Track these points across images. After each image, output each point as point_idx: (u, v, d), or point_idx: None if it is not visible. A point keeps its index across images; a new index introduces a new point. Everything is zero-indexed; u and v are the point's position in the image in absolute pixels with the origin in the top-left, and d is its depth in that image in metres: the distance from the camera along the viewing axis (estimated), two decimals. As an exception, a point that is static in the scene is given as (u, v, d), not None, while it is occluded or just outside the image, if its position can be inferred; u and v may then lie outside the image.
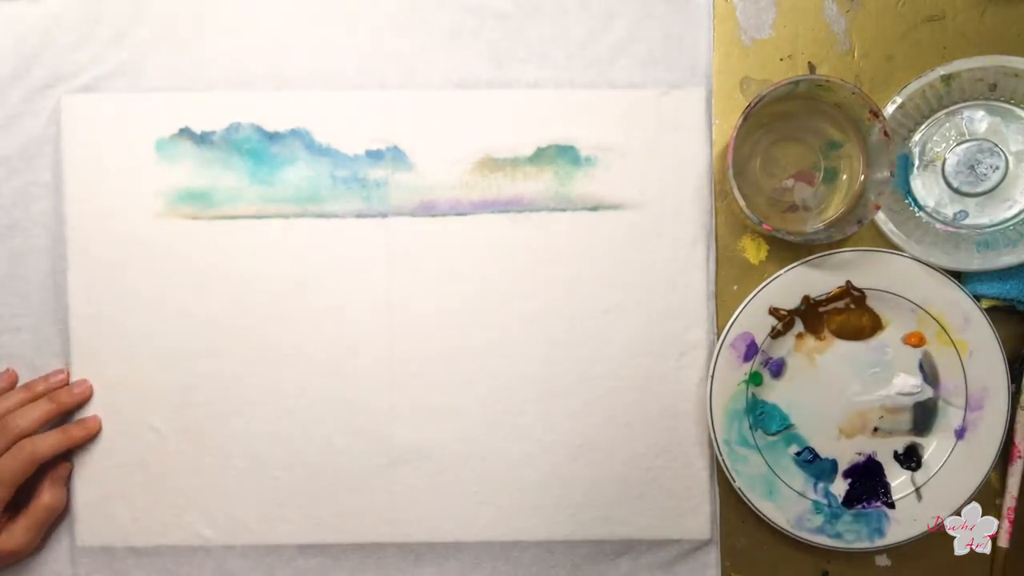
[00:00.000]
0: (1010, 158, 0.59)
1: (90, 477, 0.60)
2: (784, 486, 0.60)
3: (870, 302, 0.60)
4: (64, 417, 0.60)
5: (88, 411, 0.60)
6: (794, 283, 0.59)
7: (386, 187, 0.60)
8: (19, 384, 0.60)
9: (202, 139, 0.60)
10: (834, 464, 0.61)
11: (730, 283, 0.61)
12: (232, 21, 0.61)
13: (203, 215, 0.60)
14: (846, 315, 0.60)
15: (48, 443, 0.57)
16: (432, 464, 0.60)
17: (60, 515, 0.60)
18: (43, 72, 0.60)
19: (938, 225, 0.60)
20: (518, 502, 0.61)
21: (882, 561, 0.61)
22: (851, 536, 0.60)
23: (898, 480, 0.60)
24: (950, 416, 0.60)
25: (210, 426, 0.60)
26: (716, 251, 0.61)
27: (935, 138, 0.60)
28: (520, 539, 0.61)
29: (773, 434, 0.60)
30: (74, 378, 0.60)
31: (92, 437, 0.60)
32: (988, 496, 0.61)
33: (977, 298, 0.59)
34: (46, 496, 0.58)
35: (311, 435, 0.60)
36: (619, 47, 0.60)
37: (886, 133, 0.54)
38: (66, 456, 0.60)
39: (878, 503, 0.60)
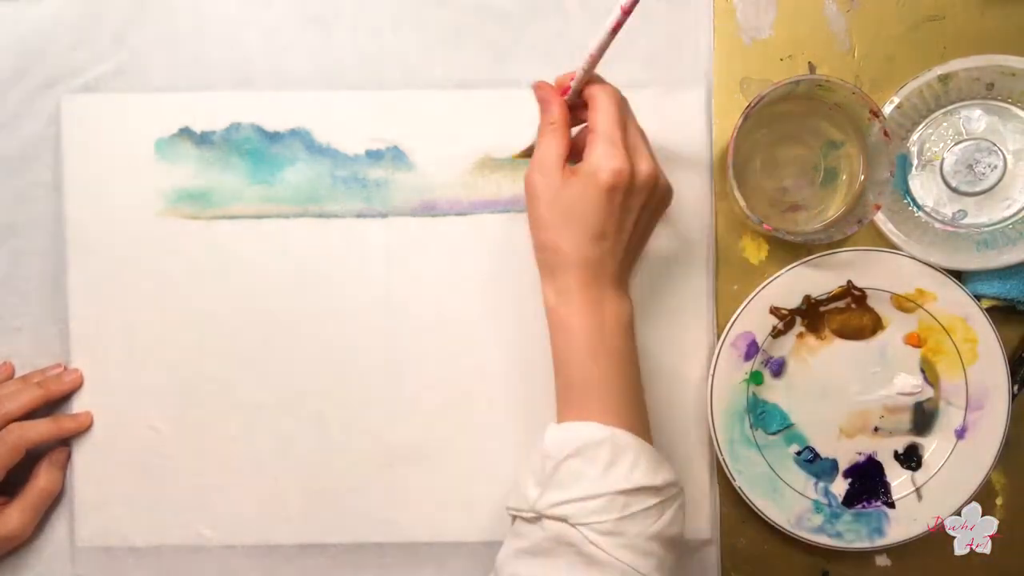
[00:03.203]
0: (1008, 157, 0.59)
1: (90, 477, 0.60)
2: (784, 485, 0.60)
3: (870, 302, 0.60)
4: (56, 407, 0.60)
5: (89, 411, 0.60)
6: (794, 283, 0.59)
7: (386, 187, 0.60)
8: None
9: (202, 139, 0.60)
10: (834, 464, 0.61)
11: (730, 283, 0.61)
12: (232, 21, 0.61)
13: (203, 215, 0.60)
14: (847, 315, 0.60)
15: (37, 430, 0.57)
16: (432, 464, 0.60)
17: (56, 503, 0.60)
18: (43, 72, 0.60)
19: (937, 225, 0.60)
20: (518, 502, 0.60)
21: (882, 561, 0.61)
22: (851, 536, 0.60)
23: (898, 480, 0.60)
24: (950, 416, 0.60)
25: (210, 426, 0.60)
26: (716, 251, 0.61)
27: (933, 138, 0.60)
28: (520, 539, 0.61)
29: (773, 433, 0.60)
30: (74, 377, 0.60)
31: (83, 431, 0.60)
32: (988, 496, 0.61)
33: (977, 298, 0.59)
34: (42, 479, 0.58)
35: (311, 435, 0.60)
36: (619, 47, 0.60)
37: (886, 133, 0.54)
38: (65, 445, 0.60)
39: (878, 503, 0.60)
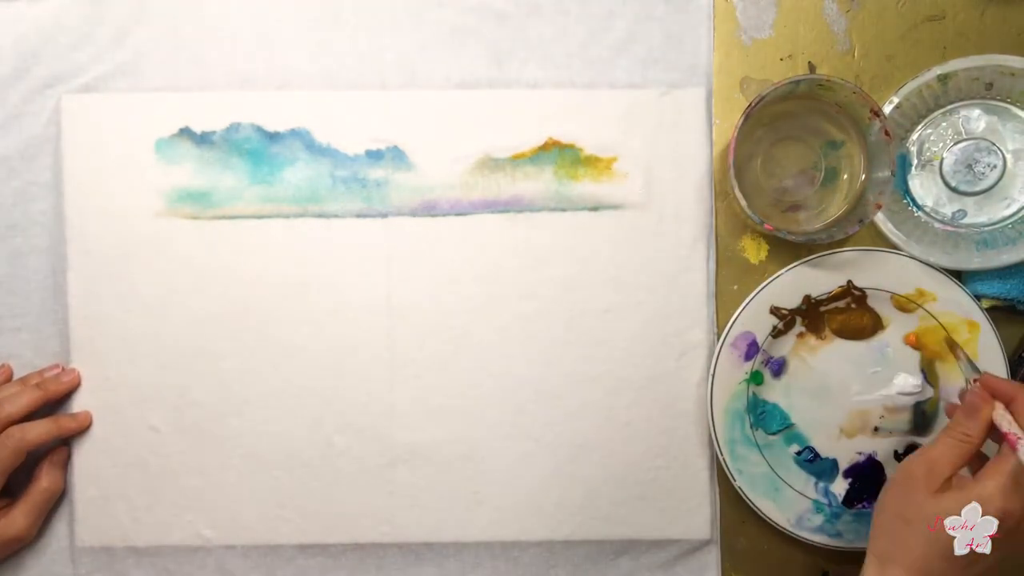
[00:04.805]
0: (1007, 156, 0.59)
1: (90, 477, 0.60)
2: (784, 485, 0.60)
3: (870, 302, 0.60)
4: (55, 407, 0.60)
5: (89, 410, 0.60)
6: (794, 283, 0.59)
7: (386, 187, 0.60)
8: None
9: (202, 139, 0.60)
10: (834, 463, 0.61)
11: (730, 283, 0.61)
12: (232, 21, 0.61)
13: (203, 215, 0.60)
14: (847, 315, 0.60)
15: (37, 431, 0.57)
16: (432, 464, 0.60)
17: (56, 503, 0.60)
18: (43, 72, 0.60)
19: (937, 224, 0.60)
20: (518, 502, 0.60)
21: (882, 561, 0.61)
22: (851, 535, 0.60)
23: (898, 480, 0.61)
24: (950, 416, 0.60)
25: (210, 426, 0.60)
26: (716, 251, 0.61)
27: (932, 138, 0.60)
28: (520, 539, 0.61)
29: (774, 433, 0.60)
30: (74, 378, 0.60)
31: (83, 430, 0.60)
32: (988, 495, 0.61)
33: (977, 298, 0.59)
34: (44, 480, 0.58)
35: (311, 435, 0.60)
36: (619, 47, 0.60)
37: (887, 132, 0.55)
38: (64, 444, 0.60)
39: (878, 503, 0.60)
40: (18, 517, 0.57)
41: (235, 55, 0.61)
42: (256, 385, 0.60)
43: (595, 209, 0.60)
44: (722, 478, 0.60)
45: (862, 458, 0.61)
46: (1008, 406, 0.50)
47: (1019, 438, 0.48)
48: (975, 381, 0.52)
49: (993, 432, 0.50)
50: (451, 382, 0.60)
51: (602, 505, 0.60)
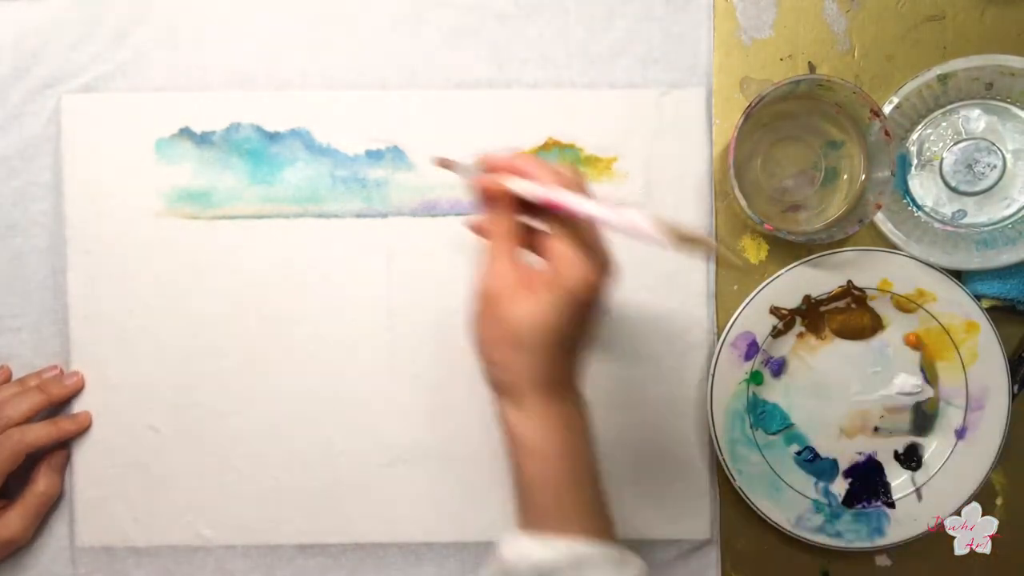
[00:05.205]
0: (1007, 156, 0.59)
1: (90, 477, 0.60)
2: (784, 485, 0.60)
3: (870, 302, 0.60)
4: (56, 410, 0.60)
5: (88, 411, 0.60)
6: (794, 283, 0.59)
7: (386, 187, 0.60)
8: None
9: (202, 139, 0.60)
10: (834, 463, 0.61)
11: (730, 283, 0.61)
12: (232, 21, 0.61)
13: (203, 215, 0.60)
14: (847, 315, 0.60)
15: (37, 433, 0.57)
16: (432, 464, 0.60)
17: (56, 504, 0.60)
18: (43, 72, 0.60)
19: (937, 224, 0.60)
20: (518, 502, 0.60)
21: (882, 561, 0.61)
22: (851, 536, 0.60)
23: (898, 480, 0.61)
24: (950, 416, 0.60)
25: (210, 426, 0.60)
26: (716, 251, 0.61)
27: (932, 138, 0.60)
28: (520, 539, 0.61)
29: (774, 433, 0.60)
30: (74, 378, 0.60)
31: (83, 431, 0.60)
32: (988, 496, 0.61)
33: (977, 298, 0.59)
34: (41, 483, 0.58)
35: (311, 435, 0.60)
36: (619, 47, 0.60)
37: (887, 132, 0.55)
38: (63, 447, 0.60)
39: (878, 503, 0.60)
40: (13, 519, 0.57)
41: (235, 55, 0.61)
42: (256, 385, 0.60)
43: (595, 209, 0.60)
44: (722, 478, 0.60)
45: (862, 458, 0.61)
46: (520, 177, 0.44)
47: (566, 203, 0.42)
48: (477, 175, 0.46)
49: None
50: (451, 382, 0.60)
51: (602, 505, 0.60)
